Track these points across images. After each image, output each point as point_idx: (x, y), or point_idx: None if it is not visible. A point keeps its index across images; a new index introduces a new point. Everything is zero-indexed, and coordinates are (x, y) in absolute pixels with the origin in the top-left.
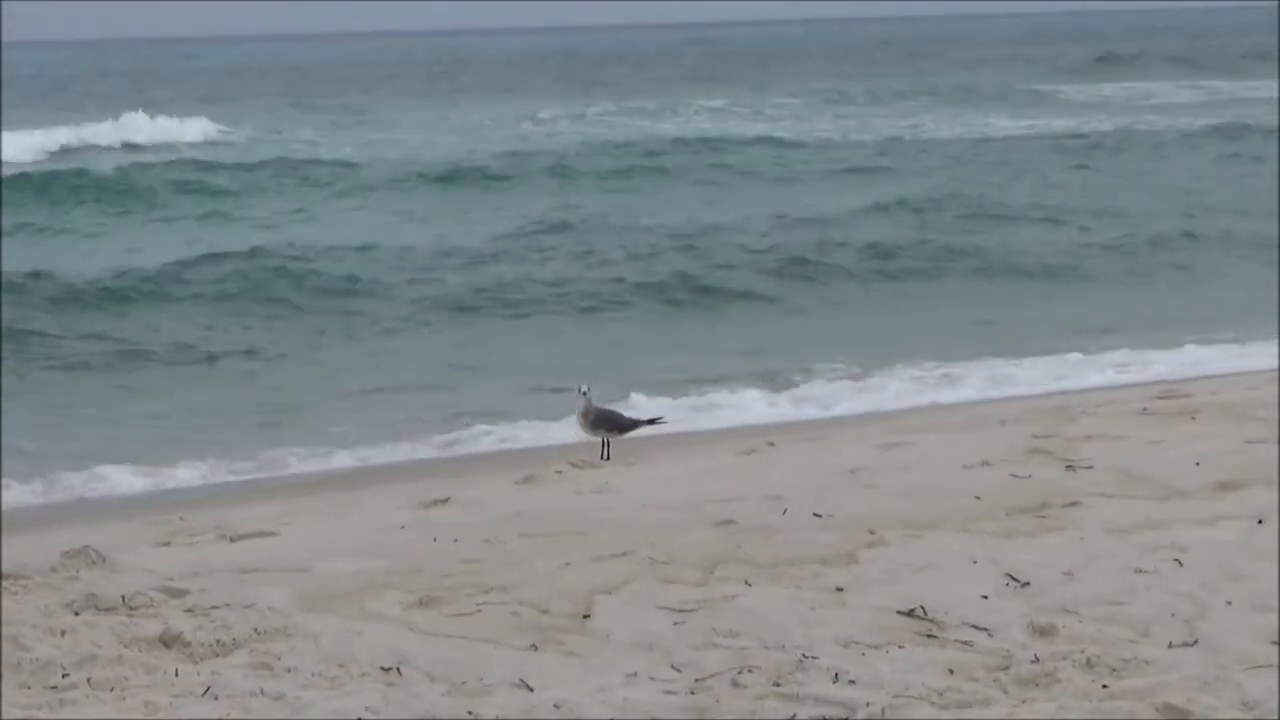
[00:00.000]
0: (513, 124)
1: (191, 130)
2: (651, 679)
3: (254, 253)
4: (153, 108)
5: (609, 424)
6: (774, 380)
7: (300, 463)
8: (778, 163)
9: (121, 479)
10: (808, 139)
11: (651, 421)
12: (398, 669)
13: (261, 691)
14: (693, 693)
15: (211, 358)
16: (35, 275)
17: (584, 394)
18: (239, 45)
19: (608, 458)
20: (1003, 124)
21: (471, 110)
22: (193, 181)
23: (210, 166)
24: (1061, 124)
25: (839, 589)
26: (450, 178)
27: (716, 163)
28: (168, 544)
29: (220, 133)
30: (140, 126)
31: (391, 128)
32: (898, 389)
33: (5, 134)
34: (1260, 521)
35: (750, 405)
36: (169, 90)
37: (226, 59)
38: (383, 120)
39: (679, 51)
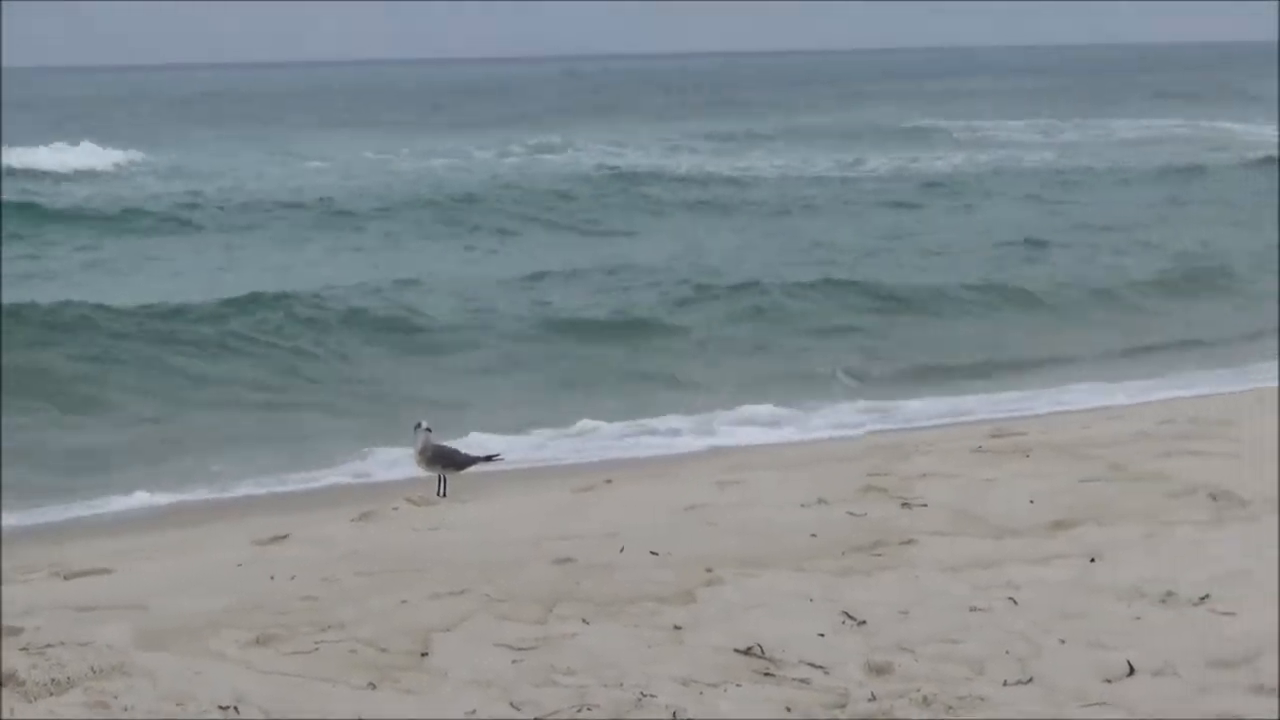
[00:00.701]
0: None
1: None
2: (490, 718)
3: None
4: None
5: (446, 460)
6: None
7: (132, 499)
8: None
9: None
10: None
11: (489, 458)
12: (235, 708)
13: None
14: None
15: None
16: None
17: (423, 430)
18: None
19: (444, 494)
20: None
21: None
22: None
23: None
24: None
25: (677, 627)
26: None
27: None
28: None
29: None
30: None
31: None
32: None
33: None
34: (1092, 560)
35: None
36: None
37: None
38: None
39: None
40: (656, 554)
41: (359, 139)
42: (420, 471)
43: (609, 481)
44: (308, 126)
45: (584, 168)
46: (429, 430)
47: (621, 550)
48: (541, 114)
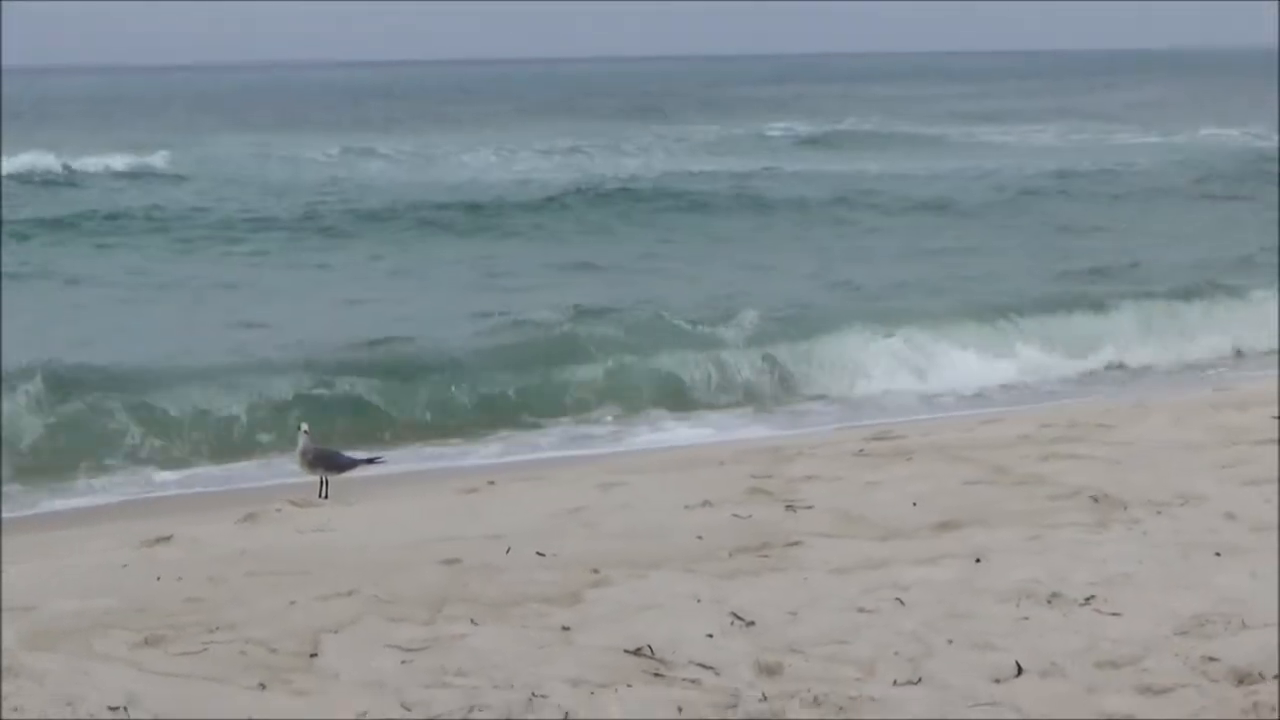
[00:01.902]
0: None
1: None
2: (382, 718)
3: None
4: None
5: (327, 463)
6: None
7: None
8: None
9: None
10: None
11: (371, 461)
12: (125, 709)
13: None
14: None
15: None
16: None
17: (303, 432)
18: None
19: (326, 496)
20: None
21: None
22: None
23: None
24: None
25: (565, 628)
26: None
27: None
28: None
29: None
30: None
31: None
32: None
33: None
34: (978, 560)
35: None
36: None
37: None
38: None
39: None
40: (543, 555)
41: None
42: (302, 474)
43: (492, 483)
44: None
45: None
46: (308, 433)
47: (508, 551)
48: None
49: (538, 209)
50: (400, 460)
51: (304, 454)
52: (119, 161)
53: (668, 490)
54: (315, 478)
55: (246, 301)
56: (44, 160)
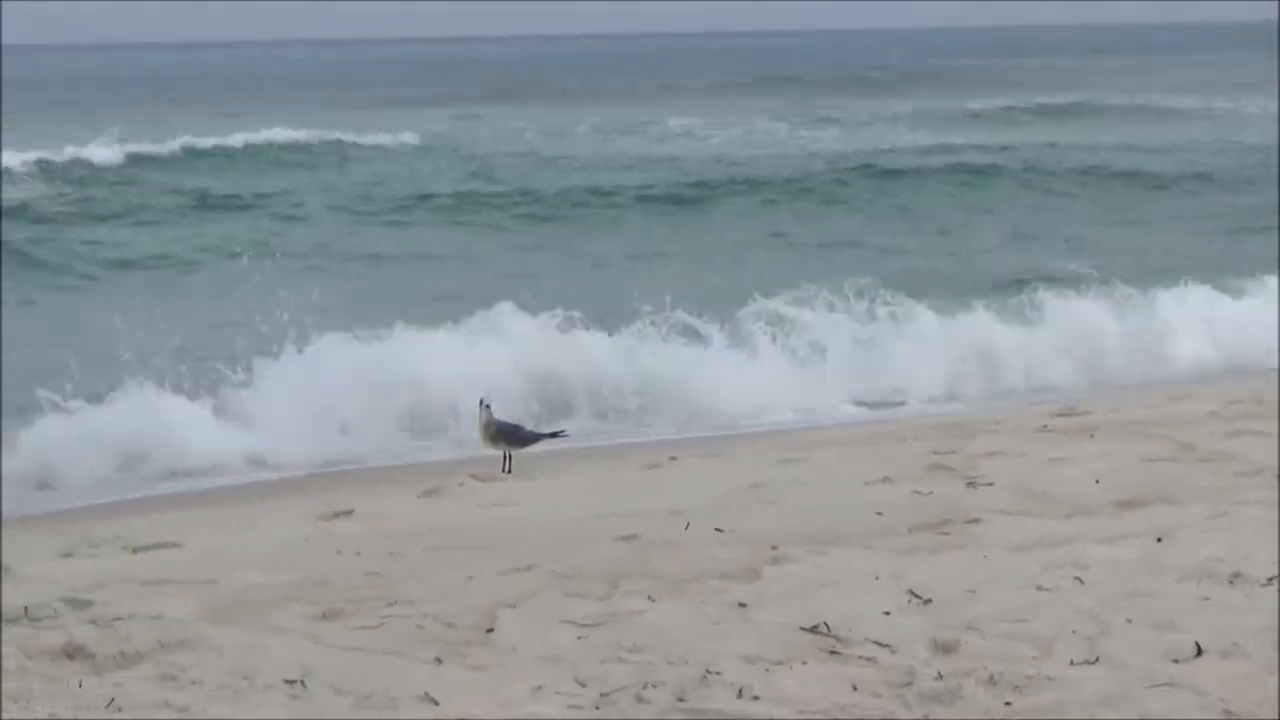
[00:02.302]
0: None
1: None
2: (556, 693)
3: None
4: None
5: (510, 438)
6: None
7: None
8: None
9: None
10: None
11: (554, 435)
12: (302, 682)
13: (166, 703)
14: (597, 708)
15: None
16: None
17: (485, 407)
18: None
19: (509, 471)
20: None
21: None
22: None
23: None
24: None
25: (742, 604)
26: None
27: None
28: (70, 554)
29: None
30: None
31: None
32: None
33: None
34: (1159, 539)
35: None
36: None
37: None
38: None
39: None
40: (721, 531)
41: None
42: (485, 448)
43: (674, 459)
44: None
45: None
46: (489, 407)
47: (687, 527)
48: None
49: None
50: (585, 434)
51: (486, 428)
52: (384, 138)
53: (848, 466)
54: (498, 452)
55: None
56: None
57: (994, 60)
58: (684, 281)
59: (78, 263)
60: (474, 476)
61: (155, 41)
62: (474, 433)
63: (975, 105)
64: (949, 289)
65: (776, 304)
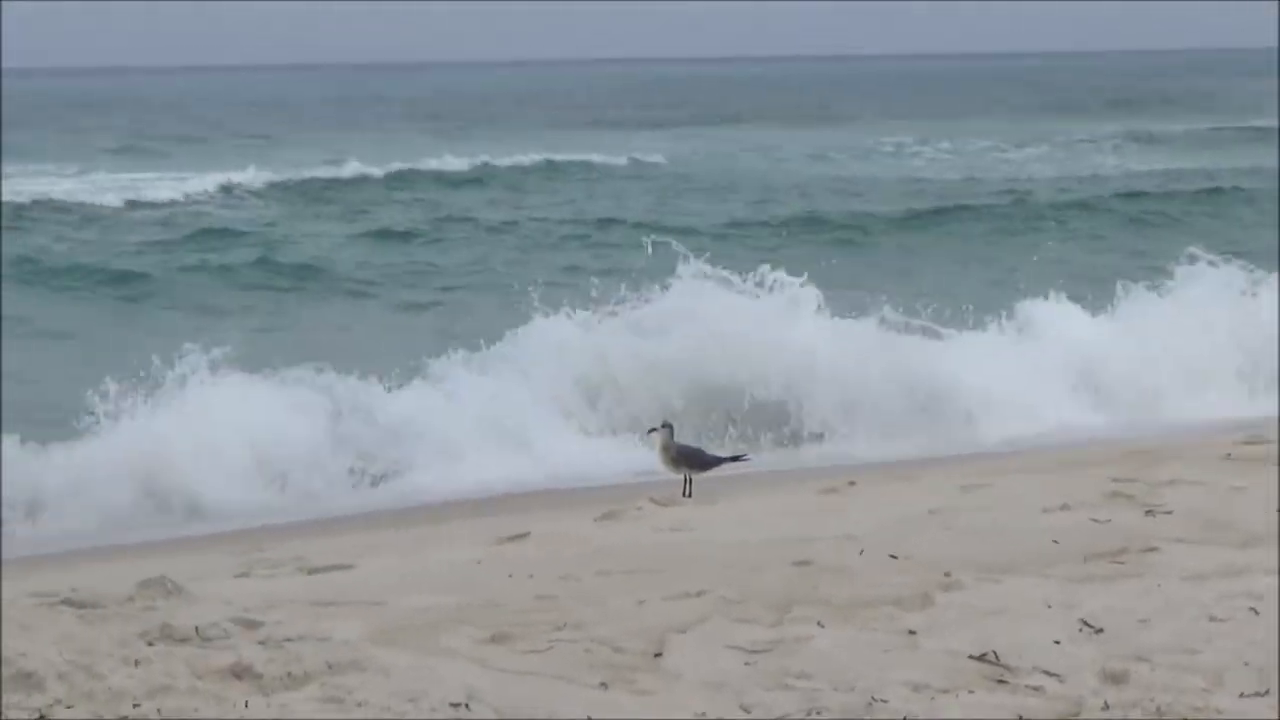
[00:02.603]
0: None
1: None
2: None
3: None
4: None
5: (692, 461)
6: None
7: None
8: None
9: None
10: None
11: (735, 459)
12: (466, 704)
13: None
14: None
15: None
16: None
17: (667, 428)
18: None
19: (689, 495)
20: None
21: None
22: None
23: None
24: None
25: (911, 631)
26: None
27: None
28: (246, 575)
29: None
30: None
31: None
32: None
33: None
34: None
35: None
36: None
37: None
38: None
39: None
40: (895, 557)
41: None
42: (664, 472)
43: (852, 484)
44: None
45: None
46: (670, 428)
47: (861, 553)
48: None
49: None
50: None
51: (666, 450)
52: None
53: (1029, 493)
54: (679, 476)
55: None
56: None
57: (1186, 81)
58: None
59: None
60: (654, 500)
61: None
62: (654, 455)
63: (1180, 127)
64: None
65: None
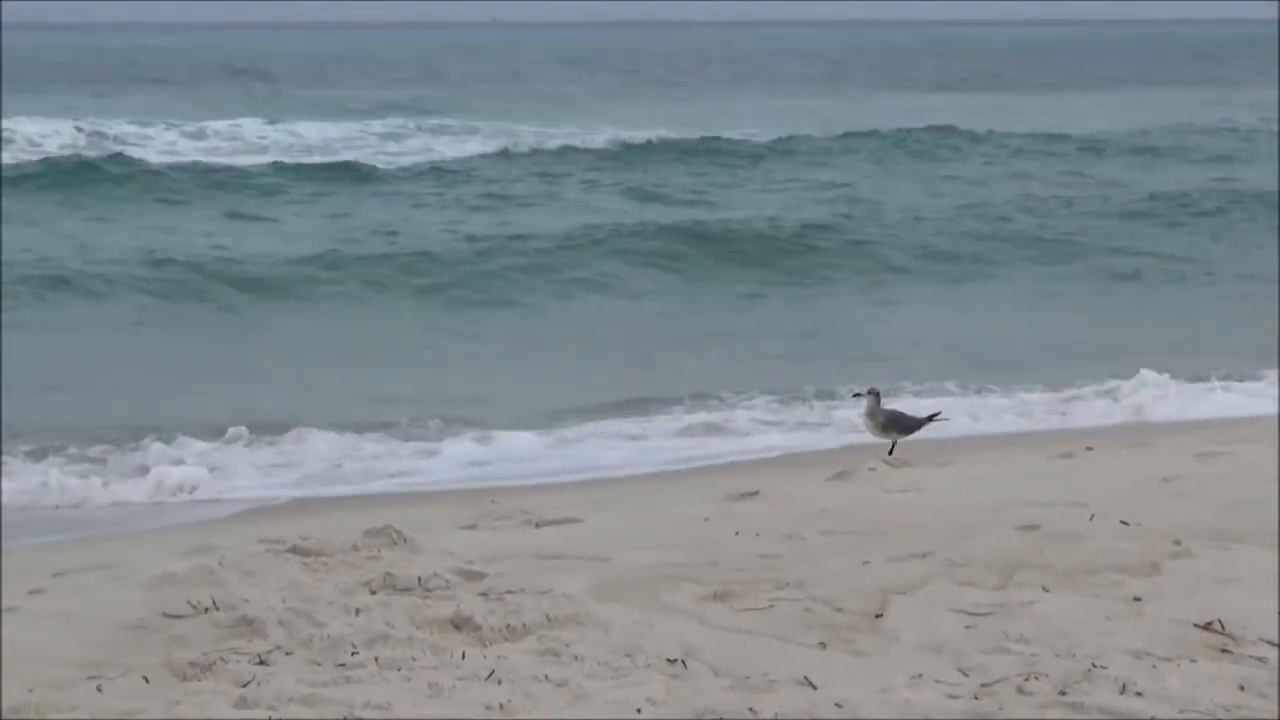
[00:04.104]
0: None
1: None
2: (936, 681)
3: None
4: None
5: (899, 425)
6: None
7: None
8: None
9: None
10: None
11: (932, 418)
12: (683, 661)
13: (545, 678)
14: (976, 698)
15: None
16: None
17: (873, 395)
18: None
19: (892, 454)
20: None
21: None
22: None
23: None
24: None
25: (1137, 599)
26: None
27: None
28: (473, 527)
29: None
30: None
31: None
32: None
33: None
34: None
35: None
36: None
37: None
38: None
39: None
40: (1126, 524)
41: None
42: (871, 437)
43: (1089, 449)
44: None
45: None
46: (877, 395)
47: (1091, 518)
48: None
49: None
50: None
51: (872, 416)
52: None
53: (1268, 462)
54: (887, 440)
55: None
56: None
57: None
58: None
59: None
60: (886, 462)
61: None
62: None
63: None
64: None
65: None
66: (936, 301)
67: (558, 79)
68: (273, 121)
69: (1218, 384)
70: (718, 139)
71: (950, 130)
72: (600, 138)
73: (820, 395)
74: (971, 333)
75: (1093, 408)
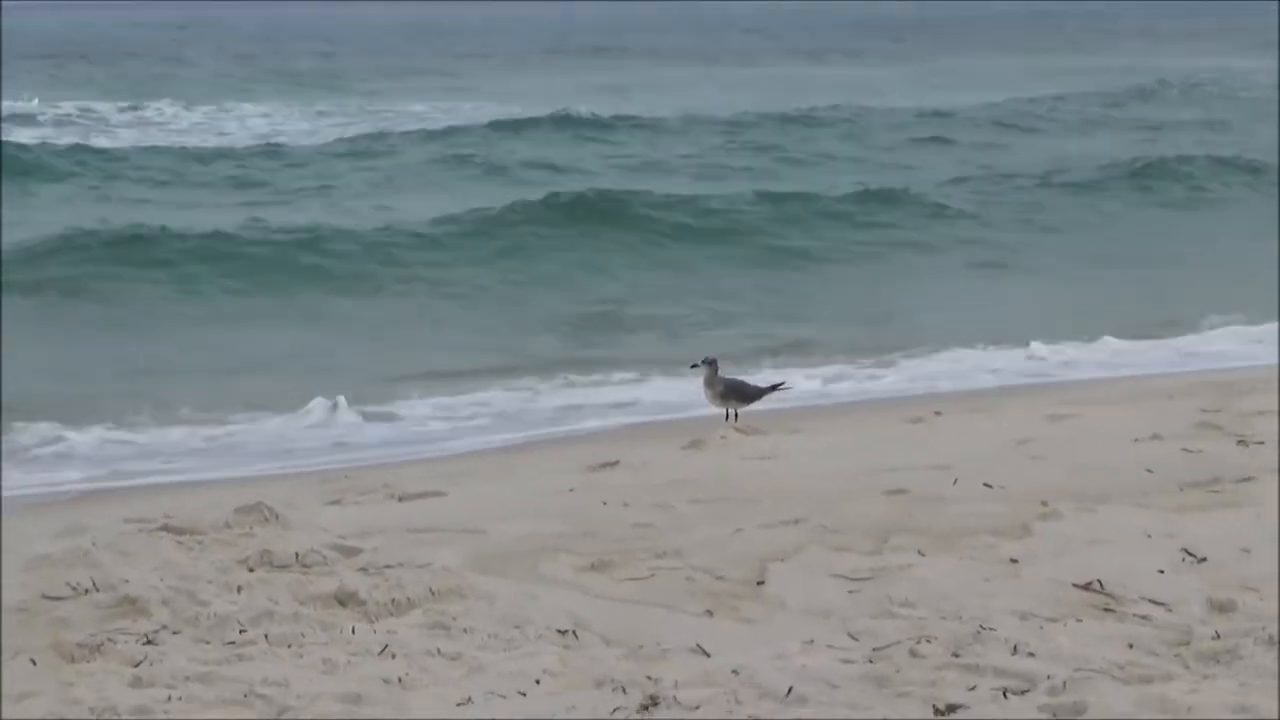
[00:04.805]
0: None
1: None
2: (829, 647)
3: None
4: None
5: (738, 394)
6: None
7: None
8: None
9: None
10: None
11: (774, 388)
12: (574, 632)
13: (439, 651)
14: (871, 661)
15: None
16: None
17: (709, 364)
18: None
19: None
20: None
21: None
22: None
23: None
24: None
25: (1013, 560)
26: None
27: None
28: (337, 502)
29: None
30: None
31: None
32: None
33: None
34: None
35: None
36: None
37: None
38: None
39: None
40: (990, 487)
41: None
42: (710, 406)
43: (938, 414)
44: None
45: None
46: (715, 364)
47: (955, 483)
48: None
49: None
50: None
51: (712, 385)
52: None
53: (1116, 423)
54: (723, 410)
55: None
56: None
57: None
58: None
59: None
60: (737, 430)
61: None
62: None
63: None
64: None
65: None
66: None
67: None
68: None
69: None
70: None
71: None
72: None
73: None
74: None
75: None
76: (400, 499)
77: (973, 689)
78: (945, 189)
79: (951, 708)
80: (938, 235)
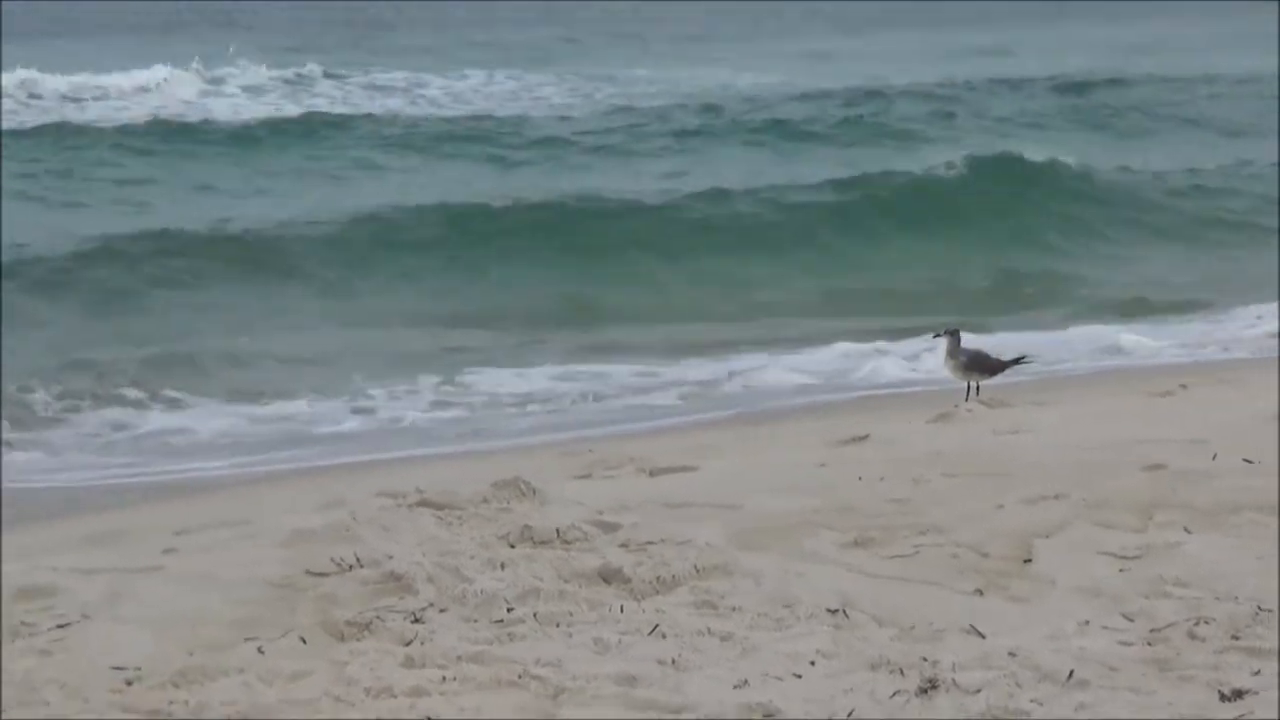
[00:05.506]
0: None
1: None
2: (1104, 628)
3: None
4: None
5: (981, 366)
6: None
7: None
8: None
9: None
10: None
11: (1018, 361)
12: (844, 611)
13: (709, 631)
14: (1149, 644)
15: None
16: None
17: (951, 334)
18: None
19: (969, 399)
20: None
21: None
22: None
23: None
24: None
25: None
26: None
27: None
28: (587, 476)
29: None
30: None
31: None
32: None
33: None
34: None
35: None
36: None
37: None
38: None
39: None
40: (1250, 462)
41: None
42: (950, 377)
43: (1184, 386)
44: None
45: None
46: (957, 334)
47: (1214, 457)
48: None
49: None
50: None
51: (953, 356)
52: None
53: None
54: (965, 382)
55: None
56: None
57: None
58: None
59: None
60: (983, 402)
61: None
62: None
63: None
64: None
65: None
66: None
67: None
68: None
69: None
70: None
71: None
72: None
73: None
74: None
75: None
76: (651, 473)
77: (1257, 674)
78: None
79: (1238, 693)
80: None
